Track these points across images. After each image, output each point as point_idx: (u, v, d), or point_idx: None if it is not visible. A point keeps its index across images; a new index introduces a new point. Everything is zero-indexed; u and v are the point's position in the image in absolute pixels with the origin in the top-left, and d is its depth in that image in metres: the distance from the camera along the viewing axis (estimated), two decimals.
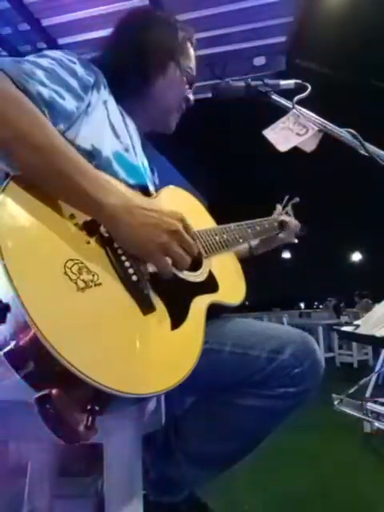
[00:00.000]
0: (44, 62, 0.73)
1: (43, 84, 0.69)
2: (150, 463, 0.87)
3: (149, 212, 0.66)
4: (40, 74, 0.69)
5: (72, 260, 0.59)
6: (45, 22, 3.21)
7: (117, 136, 0.85)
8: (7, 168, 0.61)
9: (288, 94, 0.97)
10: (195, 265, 0.87)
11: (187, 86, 1.01)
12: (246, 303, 1.01)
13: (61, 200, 0.64)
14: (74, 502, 1.00)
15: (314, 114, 0.94)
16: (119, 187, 0.69)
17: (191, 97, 1.03)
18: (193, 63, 1.01)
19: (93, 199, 0.62)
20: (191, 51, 1.01)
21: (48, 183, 0.62)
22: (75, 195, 0.63)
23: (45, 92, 0.68)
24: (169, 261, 0.68)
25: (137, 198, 0.69)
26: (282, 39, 3.39)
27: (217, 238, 0.96)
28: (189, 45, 1.00)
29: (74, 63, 0.78)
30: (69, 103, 0.73)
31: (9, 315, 0.52)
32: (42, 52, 0.78)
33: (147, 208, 0.67)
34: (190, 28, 1.02)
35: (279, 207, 1.30)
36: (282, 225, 1.24)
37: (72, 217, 0.64)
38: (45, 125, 0.63)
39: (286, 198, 1.33)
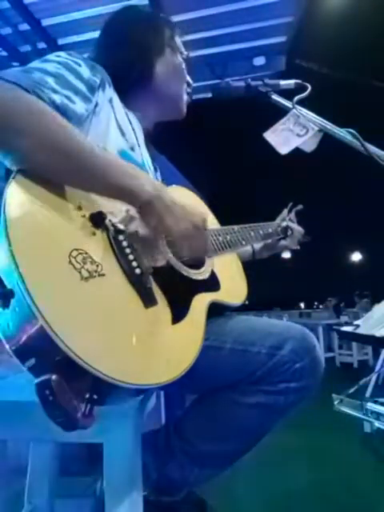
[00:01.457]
0: (50, 67, 0.73)
1: (55, 91, 0.69)
2: (150, 463, 0.87)
3: (179, 206, 0.73)
4: (50, 81, 0.70)
5: (77, 250, 0.60)
6: (45, 22, 3.21)
7: (123, 134, 0.86)
8: (44, 176, 0.62)
9: (288, 94, 0.97)
10: (198, 263, 0.87)
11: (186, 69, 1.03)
12: (246, 303, 1.01)
13: (97, 194, 0.68)
14: (74, 501, 1.00)
15: (313, 114, 0.94)
16: (150, 177, 0.74)
17: (190, 80, 1.06)
18: (182, 47, 1.04)
19: (131, 191, 0.67)
20: (178, 39, 1.04)
21: (83, 183, 0.66)
22: (114, 189, 0.67)
23: (57, 99, 0.69)
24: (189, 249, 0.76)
25: (166, 190, 0.73)
26: (282, 39, 3.39)
27: (220, 238, 0.96)
28: (176, 33, 1.03)
29: (79, 65, 0.79)
30: (79, 107, 0.74)
31: (13, 301, 0.52)
32: (45, 56, 0.78)
33: (178, 202, 0.73)
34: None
35: (285, 212, 1.31)
36: (286, 231, 1.25)
37: (79, 208, 0.65)
38: (72, 130, 0.65)
39: (290, 204, 1.34)
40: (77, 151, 0.63)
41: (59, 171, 0.63)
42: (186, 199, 0.98)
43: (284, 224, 1.26)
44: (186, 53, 1.04)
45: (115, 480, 0.70)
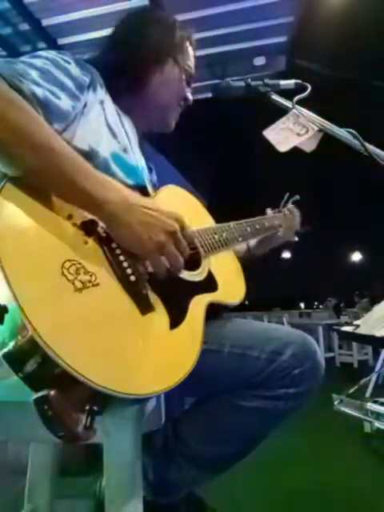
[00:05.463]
0: (38, 62, 0.73)
1: (37, 84, 0.68)
2: (148, 465, 0.87)
3: (147, 210, 0.67)
4: (34, 73, 0.69)
5: (69, 260, 0.59)
6: (45, 22, 3.21)
7: (114, 136, 0.84)
8: (5, 169, 0.60)
9: (288, 93, 0.97)
10: (194, 264, 0.87)
11: (186, 85, 1.00)
12: (246, 303, 1.01)
13: (60, 199, 0.64)
14: (74, 502, 1.00)
15: (313, 114, 0.94)
16: (118, 185, 0.69)
17: (190, 96, 1.02)
18: (192, 62, 1.00)
19: (92, 197, 0.62)
20: (190, 50, 1.00)
21: (47, 182, 0.62)
22: (74, 193, 0.63)
23: (39, 92, 0.68)
24: (165, 261, 0.68)
25: (135, 196, 0.69)
26: (282, 39, 3.40)
27: (216, 236, 0.96)
28: (187, 44, 0.99)
29: (69, 63, 0.78)
30: (64, 103, 0.73)
31: (6, 316, 0.52)
32: (35, 52, 0.77)
33: (146, 206, 0.67)
34: (190, 28, 1.01)
35: (282, 204, 1.29)
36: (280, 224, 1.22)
37: (70, 217, 0.64)
38: (42, 125, 0.63)
39: (287, 195, 1.33)
40: (47, 149, 0.60)
41: (26, 168, 0.60)
42: (177, 199, 0.98)
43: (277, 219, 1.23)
44: (192, 73, 1.00)
45: (115, 480, 0.70)
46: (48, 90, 0.70)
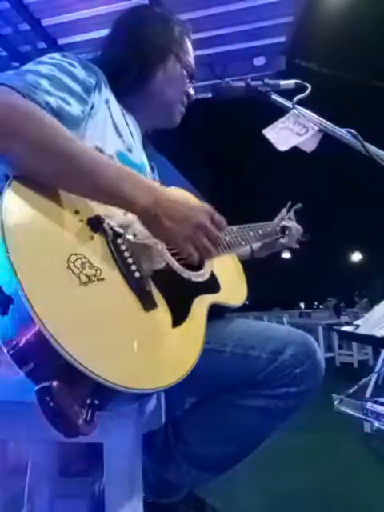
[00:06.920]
0: (44, 69, 0.73)
1: (49, 93, 0.69)
2: (148, 465, 0.87)
3: (178, 205, 0.69)
4: (44, 83, 0.70)
5: (75, 254, 0.60)
6: (45, 22, 3.21)
7: (119, 135, 0.85)
8: (38, 179, 0.62)
9: (288, 93, 0.97)
10: (198, 265, 0.87)
11: (187, 80, 1.00)
12: (246, 303, 1.01)
13: (93, 200, 0.67)
14: (74, 501, 1.00)
15: (313, 114, 0.94)
16: (147, 181, 0.71)
17: (192, 91, 1.03)
18: (191, 57, 1.01)
19: (125, 197, 0.65)
20: (189, 45, 1.01)
21: (78, 187, 0.65)
22: (107, 194, 0.65)
23: (52, 101, 0.69)
24: (195, 252, 0.71)
25: (163, 191, 0.71)
26: (282, 39, 3.39)
27: None
28: (186, 39, 1.00)
29: (74, 66, 0.78)
30: (75, 108, 0.74)
31: (11, 307, 0.52)
32: (39, 59, 0.78)
33: (176, 201, 0.70)
34: (187, 24, 1.02)
35: (284, 211, 1.32)
36: (284, 230, 1.26)
37: (76, 212, 0.65)
38: (65, 133, 0.64)
39: (289, 203, 1.34)
40: (76, 155, 0.62)
41: (57, 176, 0.63)
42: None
43: (282, 223, 1.27)
44: (193, 68, 1.01)
45: (115, 480, 0.70)
46: (59, 97, 0.71)
